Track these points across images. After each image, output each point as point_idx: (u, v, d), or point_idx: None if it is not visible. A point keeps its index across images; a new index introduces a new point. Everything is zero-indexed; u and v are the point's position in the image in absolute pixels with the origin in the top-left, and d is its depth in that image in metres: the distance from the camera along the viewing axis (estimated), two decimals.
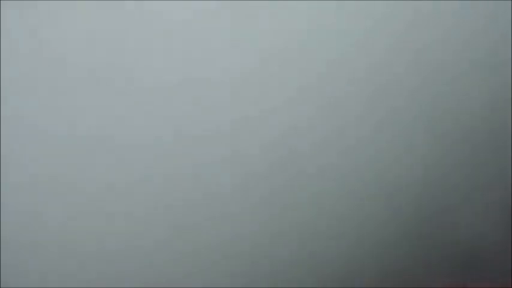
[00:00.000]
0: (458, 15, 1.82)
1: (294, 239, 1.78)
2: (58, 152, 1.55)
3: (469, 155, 1.92)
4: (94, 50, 1.54)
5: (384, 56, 1.77)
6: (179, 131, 1.63)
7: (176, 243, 1.68)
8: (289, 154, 1.73)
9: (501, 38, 1.88)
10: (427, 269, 1.94)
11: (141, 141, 1.61)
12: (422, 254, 1.92)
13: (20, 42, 1.48)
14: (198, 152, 1.66)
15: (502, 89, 1.91)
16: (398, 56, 1.78)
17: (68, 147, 1.55)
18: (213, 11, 1.61)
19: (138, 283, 1.66)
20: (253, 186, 1.72)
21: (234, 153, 1.68)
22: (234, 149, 1.68)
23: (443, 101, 1.86)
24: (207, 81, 1.64)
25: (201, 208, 1.68)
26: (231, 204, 1.70)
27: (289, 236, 1.77)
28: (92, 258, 1.61)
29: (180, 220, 1.67)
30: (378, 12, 1.74)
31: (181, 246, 1.68)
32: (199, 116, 1.64)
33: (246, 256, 1.74)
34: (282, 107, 1.70)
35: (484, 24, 1.85)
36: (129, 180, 1.61)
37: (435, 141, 1.87)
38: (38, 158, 1.53)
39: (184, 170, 1.65)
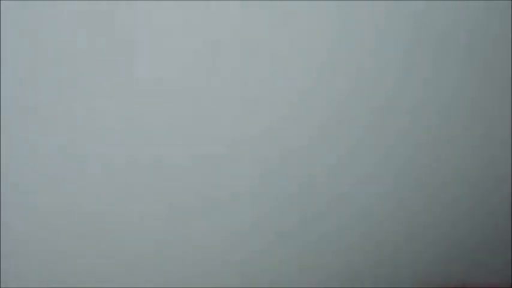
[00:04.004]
0: (458, 15, 1.82)
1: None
2: (58, 151, 1.55)
3: (469, 155, 1.92)
4: (95, 50, 1.54)
5: (381, 58, 1.78)
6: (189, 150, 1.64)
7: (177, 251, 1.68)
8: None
9: (501, 38, 1.88)
10: (427, 269, 1.94)
11: (140, 137, 1.62)
12: (422, 254, 1.92)
13: (20, 42, 1.48)
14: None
15: (502, 89, 1.92)
16: (395, 58, 1.79)
17: (68, 146, 1.55)
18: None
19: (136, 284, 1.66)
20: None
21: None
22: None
23: (442, 101, 1.86)
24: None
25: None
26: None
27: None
28: (92, 259, 1.61)
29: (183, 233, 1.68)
30: (376, 13, 1.74)
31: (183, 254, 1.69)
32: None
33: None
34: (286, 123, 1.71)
35: (484, 24, 1.85)
36: (130, 176, 1.62)
37: (434, 140, 1.87)
38: (38, 157, 1.54)
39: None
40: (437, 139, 1.87)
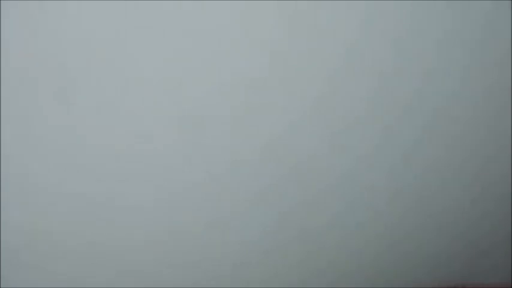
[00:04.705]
0: (458, 15, 1.82)
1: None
2: (58, 151, 1.55)
3: (469, 155, 1.92)
4: (94, 51, 1.54)
5: (380, 57, 1.78)
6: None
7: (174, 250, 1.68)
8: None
9: (501, 38, 1.88)
10: (427, 269, 1.94)
11: (139, 137, 1.62)
12: (421, 254, 1.93)
13: (19, 42, 1.49)
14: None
15: (502, 89, 1.92)
16: (397, 58, 1.79)
17: (67, 147, 1.56)
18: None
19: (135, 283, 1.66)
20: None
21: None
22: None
23: (443, 101, 1.86)
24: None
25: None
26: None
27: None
28: (92, 259, 1.61)
29: (179, 229, 1.68)
30: (375, 12, 1.74)
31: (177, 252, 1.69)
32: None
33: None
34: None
35: (484, 24, 1.85)
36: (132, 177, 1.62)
37: (435, 141, 1.87)
38: (37, 157, 1.54)
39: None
40: (437, 140, 1.87)
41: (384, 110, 1.79)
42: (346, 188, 1.80)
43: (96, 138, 1.57)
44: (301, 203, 1.76)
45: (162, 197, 1.64)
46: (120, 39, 1.55)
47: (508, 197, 1.98)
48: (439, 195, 1.91)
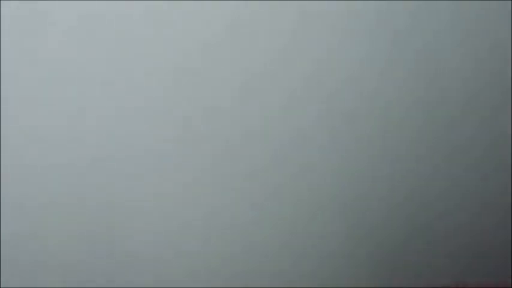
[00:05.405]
0: (458, 15, 1.82)
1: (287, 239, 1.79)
2: (57, 151, 1.55)
3: (469, 155, 1.92)
4: (93, 49, 1.54)
5: (380, 56, 1.77)
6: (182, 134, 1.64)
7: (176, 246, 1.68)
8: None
9: (501, 38, 1.88)
10: (427, 268, 1.94)
11: (138, 138, 1.62)
12: (422, 253, 1.92)
13: (19, 42, 1.49)
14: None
15: (502, 88, 1.91)
16: (396, 56, 1.78)
17: (67, 147, 1.56)
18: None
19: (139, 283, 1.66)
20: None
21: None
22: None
23: (443, 101, 1.85)
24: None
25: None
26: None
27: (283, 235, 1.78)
28: (92, 258, 1.61)
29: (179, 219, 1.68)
30: (375, 11, 1.74)
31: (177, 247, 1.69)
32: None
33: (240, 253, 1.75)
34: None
35: (484, 24, 1.85)
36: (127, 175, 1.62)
37: (436, 140, 1.87)
38: (36, 157, 1.54)
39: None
40: (437, 139, 1.87)
41: (375, 104, 1.79)
42: (337, 182, 1.80)
43: (97, 134, 1.57)
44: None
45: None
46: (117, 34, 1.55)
47: (508, 196, 1.98)
48: (437, 193, 1.90)
